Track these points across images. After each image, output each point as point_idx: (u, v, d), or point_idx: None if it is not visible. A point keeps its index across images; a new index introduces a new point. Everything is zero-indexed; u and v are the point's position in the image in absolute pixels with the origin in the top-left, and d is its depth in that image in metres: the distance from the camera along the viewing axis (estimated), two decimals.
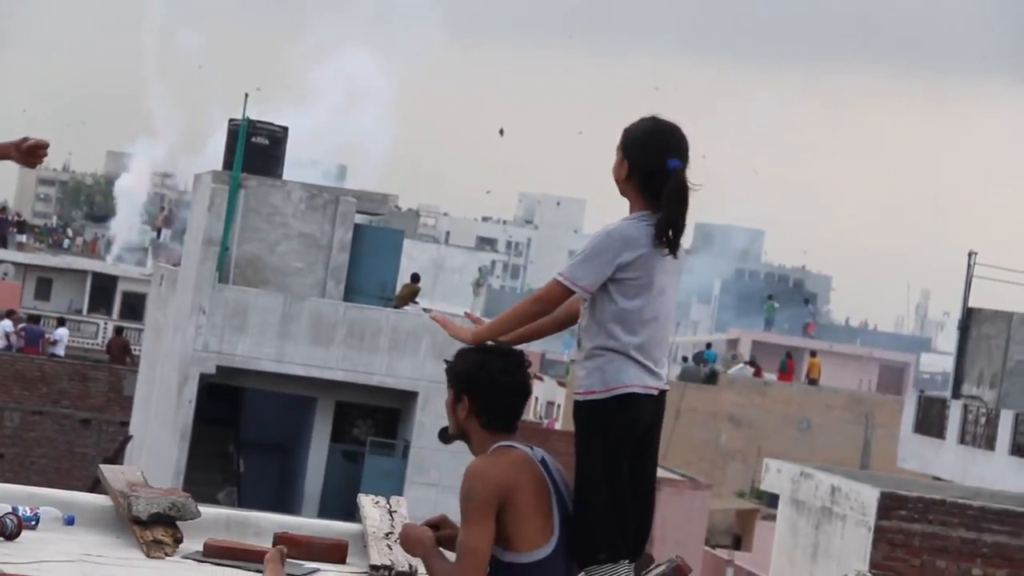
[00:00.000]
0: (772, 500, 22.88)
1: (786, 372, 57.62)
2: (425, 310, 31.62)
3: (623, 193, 6.33)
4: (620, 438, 6.19)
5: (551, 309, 6.26)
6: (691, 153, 6.33)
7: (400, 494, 9.70)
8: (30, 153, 6.42)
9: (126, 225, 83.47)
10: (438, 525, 6.34)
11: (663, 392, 6.27)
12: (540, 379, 55.20)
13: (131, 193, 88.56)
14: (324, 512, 23.87)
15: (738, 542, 33.92)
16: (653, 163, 6.16)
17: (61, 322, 50.60)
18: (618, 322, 6.19)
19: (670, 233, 6.15)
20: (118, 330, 50.53)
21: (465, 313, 6.91)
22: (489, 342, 6.47)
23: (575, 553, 6.28)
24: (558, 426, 51.60)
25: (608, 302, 6.19)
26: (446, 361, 6.26)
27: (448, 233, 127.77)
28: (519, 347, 6.62)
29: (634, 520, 6.27)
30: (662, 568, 7.47)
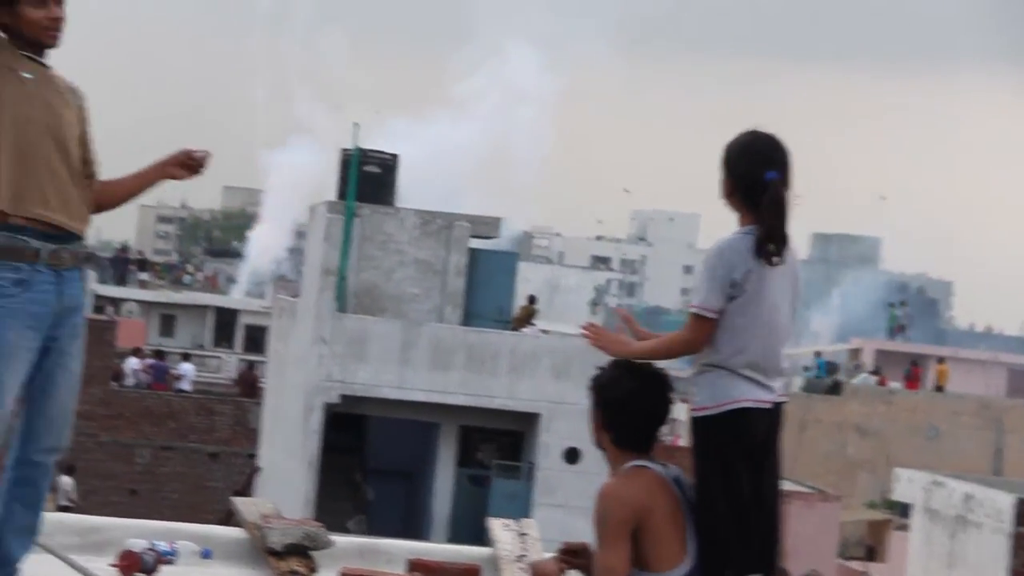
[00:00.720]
0: (904, 510, 22.62)
1: (912, 380, 56.92)
2: (543, 331, 31.65)
3: (732, 209, 6.33)
4: (735, 453, 6.15)
5: (702, 345, 6.25)
6: (791, 163, 6.32)
7: (527, 516, 9.67)
8: (188, 166, 6.43)
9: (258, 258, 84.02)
10: (577, 552, 6.32)
11: (779, 404, 6.25)
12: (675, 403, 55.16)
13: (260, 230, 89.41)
14: (453, 537, 23.91)
15: (871, 553, 33.53)
16: (752, 176, 6.17)
17: (186, 357, 51.31)
18: (727, 338, 6.18)
19: (771, 245, 6.15)
20: (248, 364, 51.06)
21: (616, 308, 7.00)
22: (632, 361, 6.49)
23: (704, 571, 6.29)
24: (681, 443, 51.43)
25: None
26: (593, 382, 6.29)
27: (562, 253, 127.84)
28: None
29: (760, 534, 6.23)
30: None
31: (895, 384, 54.63)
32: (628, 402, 6.16)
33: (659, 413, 6.16)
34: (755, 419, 6.17)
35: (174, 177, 6.49)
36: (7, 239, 6.04)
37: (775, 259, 6.14)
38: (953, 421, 48.55)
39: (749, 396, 6.15)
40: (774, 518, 6.31)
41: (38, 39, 6.18)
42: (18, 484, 6.27)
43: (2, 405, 6.05)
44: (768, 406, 6.19)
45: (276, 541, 7.66)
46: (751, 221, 6.19)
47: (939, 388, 56.46)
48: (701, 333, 6.18)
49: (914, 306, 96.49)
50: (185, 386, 46.91)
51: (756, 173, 6.17)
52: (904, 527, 20.73)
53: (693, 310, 6.22)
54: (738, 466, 6.14)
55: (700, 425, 6.21)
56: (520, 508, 21.94)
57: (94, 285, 66.87)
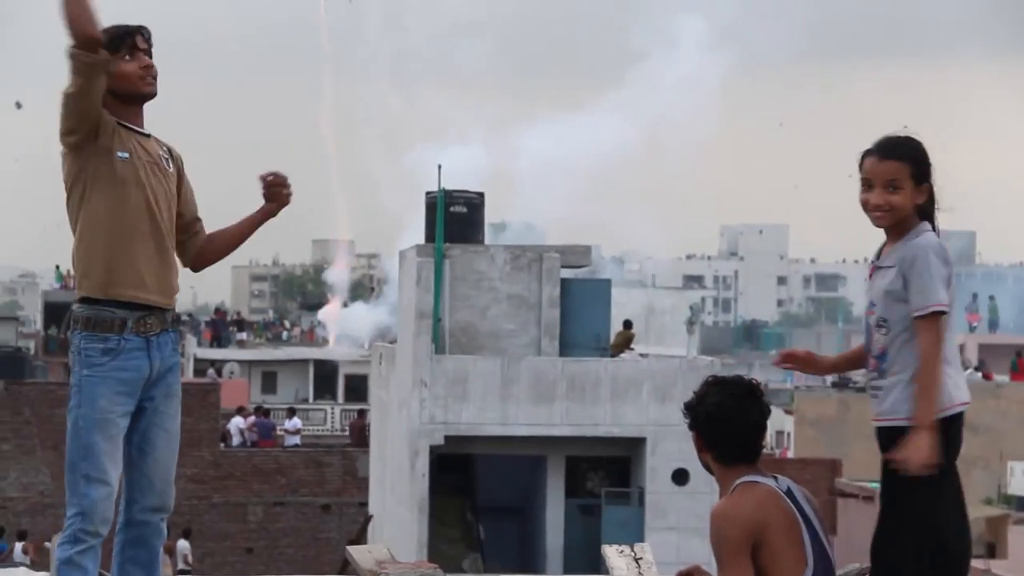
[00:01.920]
0: (1021, 503, 22.37)
1: (1018, 371, 56.14)
2: (642, 355, 31.57)
3: (903, 218, 6.22)
4: (954, 458, 6.13)
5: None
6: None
7: (640, 541, 9.63)
8: (275, 193, 6.52)
9: (337, 311, 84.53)
10: (691, 574, 6.31)
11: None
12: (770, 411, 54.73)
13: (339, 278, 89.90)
14: (568, 568, 23.90)
15: (992, 550, 33.07)
16: (928, 172, 6.18)
17: (292, 412, 51.61)
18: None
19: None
20: (358, 412, 51.23)
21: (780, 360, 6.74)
22: (721, 375, 6.47)
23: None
24: (790, 455, 50.99)
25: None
26: (687, 404, 6.29)
27: (654, 276, 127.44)
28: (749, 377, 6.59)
29: (963, 541, 6.26)
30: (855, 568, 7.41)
31: (1001, 377, 53.92)
32: (721, 415, 6.14)
33: (755, 421, 6.13)
34: (962, 422, 6.20)
35: (273, 212, 6.58)
36: (94, 312, 6.16)
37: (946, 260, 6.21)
38: None
39: (965, 397, 6.18)
40: (965, 531, 6.34)
41: (136, 91, 6.27)
42: (130, 546, 6.35)
43: (106, 476, 6.15)
44: (967, 405, 6.23)
45: None
46: (921, 215, 6.20)
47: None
48: (942, 331, 6.13)
49: (1012, 295, 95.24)
50: (296, 440, 47.20)
51: (929, 169, 6.22)
52: (1022, 521, 20.44)
53: (940, 309, 6.09)
54: (952, 469, 6.14)
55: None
56: (632, 534, 21.86)
57: (194, 349, 67.56)
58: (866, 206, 6.25)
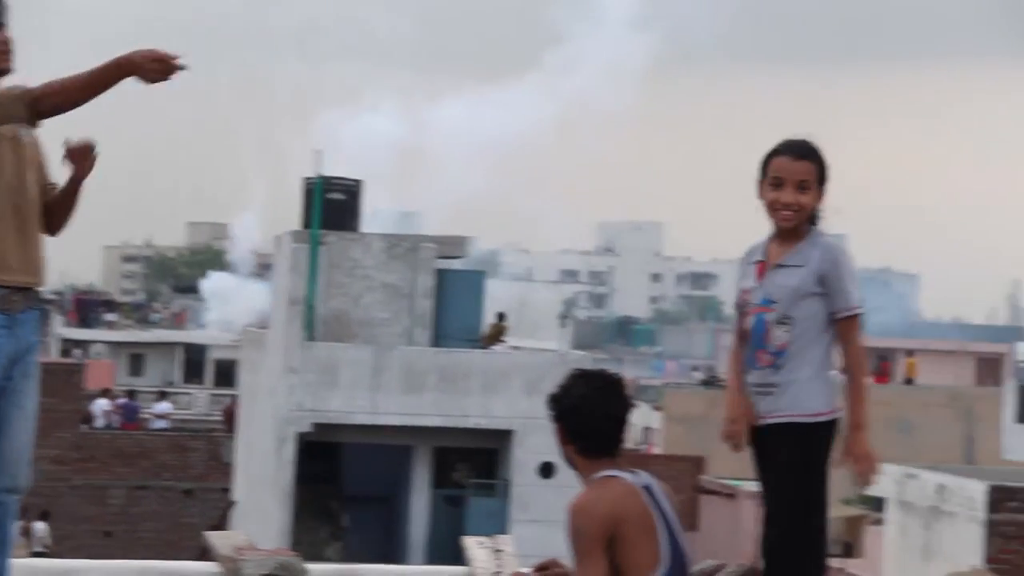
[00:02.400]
0: (878, 504, 22.72)
1: (881, 374, 57.06)
2: (514, 348, 31.61)
3: (808, 220, 6.32)
4: (827, 461, 6.27)
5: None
6: None
7: (504, 533, 9.67)
8: (159, 68, 5.97)
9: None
10: (547, 567, 6.34)
11: None
12: (635, 404, 55.14)
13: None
14: (432, 559, 23.88)
15: (849, 549, 33.58)
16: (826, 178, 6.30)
17: (162, 396, 51.17)
18: (835, 342, 6.27)
19: None
20: (233, 398, 51.03)
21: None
22: (585, 368, 6.52)
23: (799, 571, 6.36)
24: (656, 450, 51.39)
25: (831, 324, 6.25)
26: (551, 397, 6.30)
27: (530, 269, 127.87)
28: (610, 370, 6.63)
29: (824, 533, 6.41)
30: (732, 570, 7.50)
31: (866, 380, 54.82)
32: (584, 408, 6.15)
33: (617, 415, 6.15)
34: (826, 429, 6.29)
35: (140, 73, 6.01)
36: None
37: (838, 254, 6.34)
38: (925, 413, 48.67)
39: (827, 408, 6.28)
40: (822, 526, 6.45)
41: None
42: None
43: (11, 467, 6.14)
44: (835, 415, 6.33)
45: (250, 573, 7.65)
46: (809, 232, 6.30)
47: (909, 381, 56.65)
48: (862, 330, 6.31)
49: (881, 299, 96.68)
50: (163, 424, 46.78)
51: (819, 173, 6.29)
52: (879, 521, 20.79)
53: (859, 311, 6.25)
54: (826, 469, 6.29)
55: (821, 429, 6.25)
56: (497, 525, 21.92)
57: (61, 329, 66.64)
58: (774, 205, 6.27)
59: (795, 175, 6.22)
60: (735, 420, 6.46)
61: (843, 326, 6.21)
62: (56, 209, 6.43)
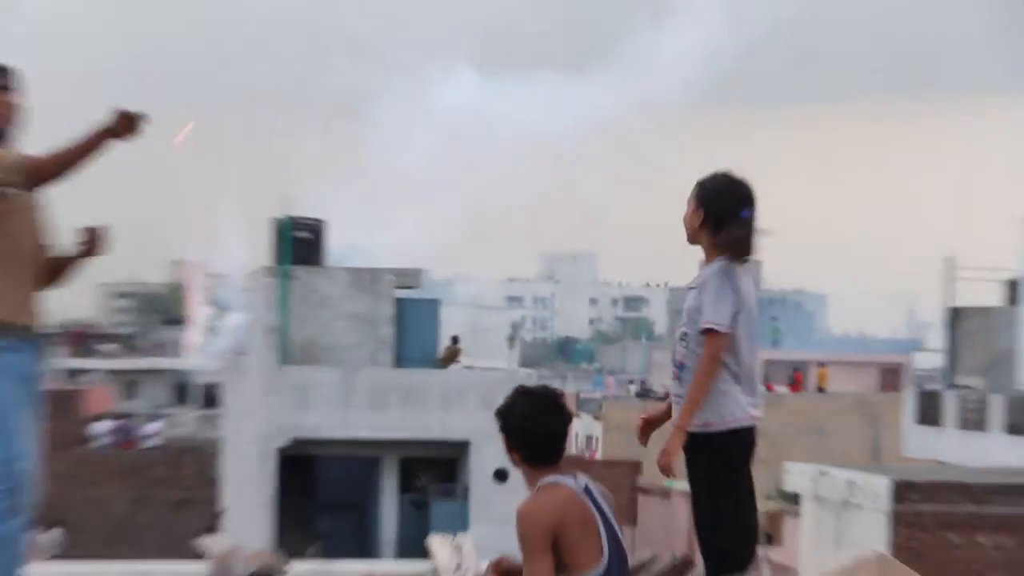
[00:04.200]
0: (796, 499, 22.82)
1: (795, 384, 57.37)
2: (467, 367, 31.61)
3: (693, 239, 6.31)
4: (738, 466, 6.26)
5: (721, 360, 6.19)
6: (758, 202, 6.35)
7: (465, 532, 9.73)
8: (127, 127, 5.88)
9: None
10: (500, 563, 6.38)
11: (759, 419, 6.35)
12: (577, 416, 55.10)
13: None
14: (401, 556, 23.81)
15: (770, 539, 33.69)
16: (727, 212, 6.22)
17: (153, 417, 50.88)
18: (728, 355, 6.20)
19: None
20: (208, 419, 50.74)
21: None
22: (528, 385, 6.55)
23: (710, 567, 6.37)
24: (598, 456, 51.40)
25: None
26: (498, 410, 6.33)
27: (479, 296, 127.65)
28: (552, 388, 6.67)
29: (747, 534, 6.39)
30: (666, 561, 7.58)
31: (781, 388, 54.99)
32: (525, 423, 6.19)
33: (557, 429, 6.18)
34: (749, 433, 6.28)
35: (118, 136, 5.92)
36: None
37: (743, 290, 6.23)
38: (836, 418, 48.91)
39: (744, 414, 6.25)
40: (756, 519, 6.45)
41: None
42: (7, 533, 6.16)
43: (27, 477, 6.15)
44: (756, 421, 6.31)
45: (240, 572, 7.69)
46: (717, 253, 6.23)
47: (820, 389, 56.95)
48: (720, 348, 6.17)
49: (793, 318, 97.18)
50: (156, 442, 46.48)
51: (732, 210, 6.24)
52: (797, 514, 20.88)
53: (717, 328, 6.13)
54: (738, 476, 6.28)
55: (703, 440, 6.23)
56: (458, 526, 21.81)
57: (62, 359, 66.08)
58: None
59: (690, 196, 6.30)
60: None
61: (701, 340, 6.20)
62: (58, 271, 6.44)
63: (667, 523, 31.97)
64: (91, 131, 5.87)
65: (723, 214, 6.24)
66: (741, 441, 6.28)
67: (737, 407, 6.26)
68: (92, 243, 6.37)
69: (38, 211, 6.25)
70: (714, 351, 6.20)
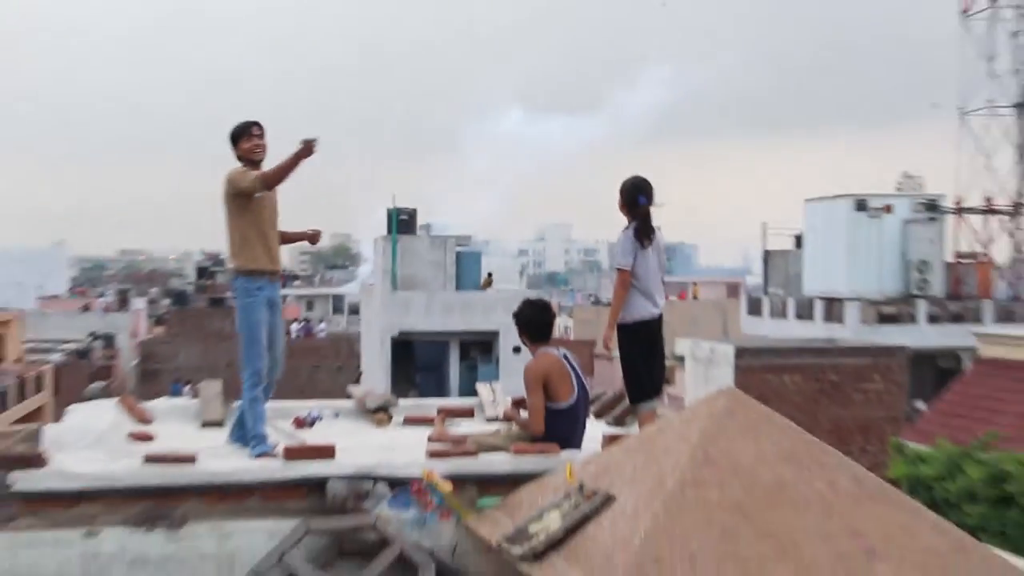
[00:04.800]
0: (683, 360, 22.85)
1: (682, 295, 57.20)
2: (497, 290, 31.45)
3: (622, 213, 6.25)
4: (642, 341, 6.21)
5: (628, 286, 6.14)
6: (654, 192, 6.26)
7: (497, 382, 9.68)
8: (310, 149, 5.69)
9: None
10: (516, 400, 6.37)
11: (660, 315, 6.30)
12: (559, 315, 55.13)
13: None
14: (461, 396, 23.88)
15: (668, 383, 33.95)
16: (633, 200, 6.19)
17: (319, 321, 50.79)
18: (634, 280, 6.18)
19: (644, 237, 6.21)
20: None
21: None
22: (530, 297, 6.52)
23: (630, 398, 6.34)
24: (571, 338, 51.44)
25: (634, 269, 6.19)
26: (514, 313, 6.29)
27: (503, 249, 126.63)
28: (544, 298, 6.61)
29: (654, 379, 6.34)
30: (609, 396, 7.48)
31: (674, 299, 54.85)
32: (530, 319, 6.17)
33: (547, 320, 6.18)
34: (649, 323, 6.24)
35: (306, 156, 5.68)
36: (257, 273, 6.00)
37: (646, 242, 6.19)
38: (703, 313, 48.79)
39: (646, 312, 6.21)
40: (662, 371, 6.38)
41: (253, 159, 5.99)
42: (265, 393, 6.12)
43: (263, 351, 5.99)
44: (655, 316, 6.27)
45: (371, 405, 7.67)
46: (629, 222, 6.21)
47: (695, 297, 56.81)
48: (623, 279, 6.13)
49: (681, 259, 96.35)
50: (323, 335, 46.65)
51: (635, 198, 6.16)
52: (683, 368, 20.84)
53: (620, 267, 6.10)
54: (642, 348, 6.23)
55: (624, 328, 6.20)
56: (493, 378, 21.90)
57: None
58: None
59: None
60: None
61: (613, 274, 6.22)
62: (286, 239, 6.36)
63: (610, 375, 32.02)
64: (292, 154, 5.74)
65: (631, 200, 6.20)
66: (646, 327, 6.23)
67: (642, 308, 6.22)
68: (313, 236, 6.37)
69: (273, 203, 6.13)
70: (619, 281, 6.20)
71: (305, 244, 6.49)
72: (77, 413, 6.50)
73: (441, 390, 25.73)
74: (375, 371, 26.04)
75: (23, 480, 4.73)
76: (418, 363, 26.40)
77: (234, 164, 5.99)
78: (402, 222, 26.38)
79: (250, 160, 6.00)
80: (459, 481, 5.18)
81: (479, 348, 26.10)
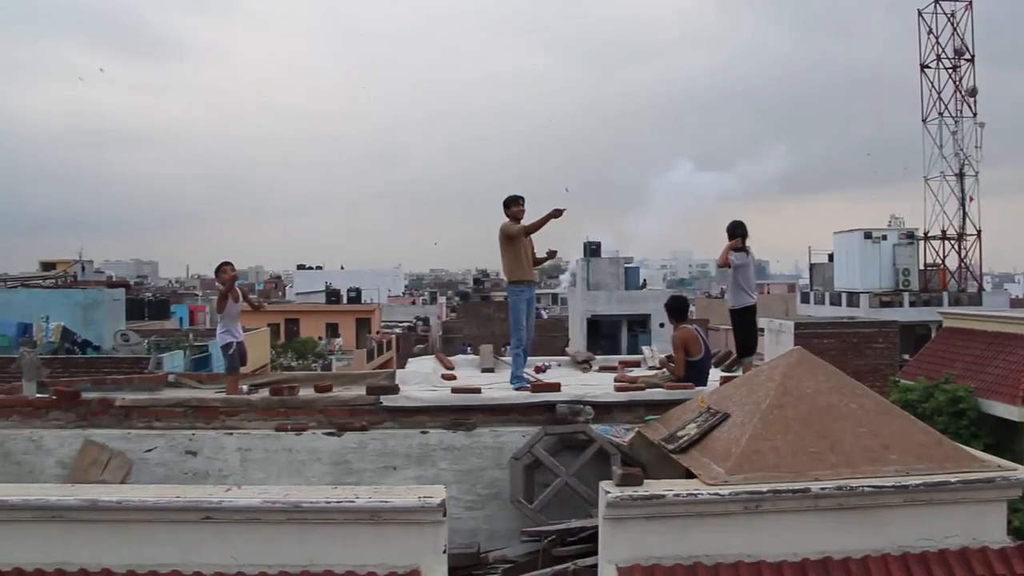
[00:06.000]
0: (762, 331, 20.36)
1: (763, 292, 50.76)
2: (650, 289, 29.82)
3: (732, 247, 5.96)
4: (745, 320, 5.93)
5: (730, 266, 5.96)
6: (747, 229, 5.95)
7: (651, 345, 9.38)
8: (559, 213, 5.37)
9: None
10: (666, 357, 6.18)
11: (755, 303, 5.98)
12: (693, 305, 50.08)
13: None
14: (628, 354, 22.77)
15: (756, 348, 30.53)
16: (734, 234, 6.01)
17: (545, 308, 45.96)
18: (743, 275, 5.89)
19: (748, 251, 6.01)
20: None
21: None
22: (675, 293, 6.36)
23: (737, 353, 6.11)
24: (695, 318, 47.35)
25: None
26: (665, 303, 6.22)
27: (643, 261, 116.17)
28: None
29: (751, 342, 6.07)
30: (723, 352, 7.12)
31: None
32: (674, 306, 6.05)
33: (684, 307, 6.03)
34: (750, 308, 6.00)
35: (556, 216, 5.37)
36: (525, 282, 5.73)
37: (748, 255, 5.94)
38: (773, 303, 43.31)
39: (748, 301, 6.00)
40: (755, 337, 6.12)
41: (517, 219, 5.89)
42: (524, 352, 6.04)
43: (527, 334, 5.67)
44: (753, 304, 6.01)
45: (579, 358, 7.47)
46: (736, 247, 5.96)
47: (768, 292, 50.37)
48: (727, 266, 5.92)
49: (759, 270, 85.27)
50: (547, 316, 40.21)
51: (733, 230, 5.97)
52: (764, 337, 18.63)
53: (724, 262, 5.87)
54: (745, 322, 6.00)
55: (734, 311, 6.00)
56: (648, 342, 20.58)
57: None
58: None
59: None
60: None
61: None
62: (536, 262, 6.16)
63: (722, 340, 29.89)
64: (546, 214, 5.74)
65: (731, 231, 5.90)
66: (749, 310, 5.98)
67: (746, 298, 5.98)
68: (551, 255, 6.21)
69: (530, 241, 6.01)
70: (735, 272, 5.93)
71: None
72: (412, 363, 6.98)
73: (616, 350, 25.03)
74: (577, 339, 25.71)
75: (387, 400, 5.08)
76: (602, 333, 25.86)
77: (504, 220, 6.04)
78: (591, 249, 26.16)
79: (515, 218, 6.03)
80: (634, 405, 5.19)
81: (639, 324, 25.20)
